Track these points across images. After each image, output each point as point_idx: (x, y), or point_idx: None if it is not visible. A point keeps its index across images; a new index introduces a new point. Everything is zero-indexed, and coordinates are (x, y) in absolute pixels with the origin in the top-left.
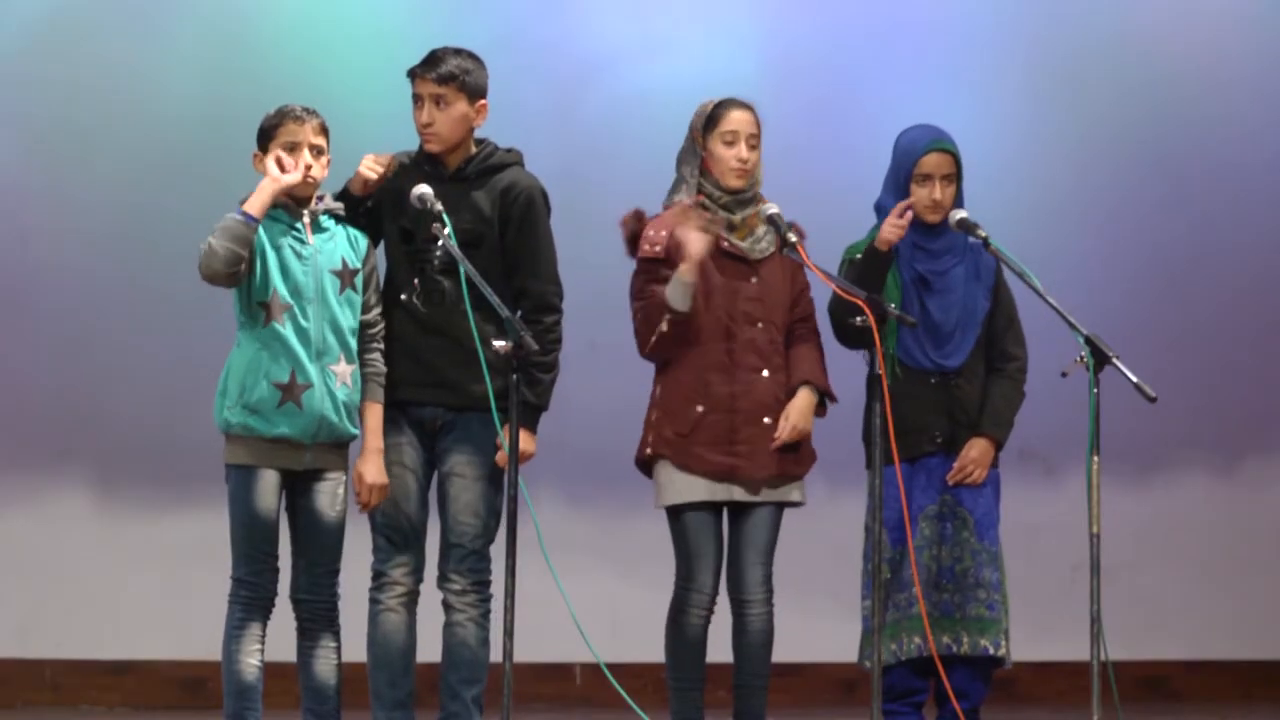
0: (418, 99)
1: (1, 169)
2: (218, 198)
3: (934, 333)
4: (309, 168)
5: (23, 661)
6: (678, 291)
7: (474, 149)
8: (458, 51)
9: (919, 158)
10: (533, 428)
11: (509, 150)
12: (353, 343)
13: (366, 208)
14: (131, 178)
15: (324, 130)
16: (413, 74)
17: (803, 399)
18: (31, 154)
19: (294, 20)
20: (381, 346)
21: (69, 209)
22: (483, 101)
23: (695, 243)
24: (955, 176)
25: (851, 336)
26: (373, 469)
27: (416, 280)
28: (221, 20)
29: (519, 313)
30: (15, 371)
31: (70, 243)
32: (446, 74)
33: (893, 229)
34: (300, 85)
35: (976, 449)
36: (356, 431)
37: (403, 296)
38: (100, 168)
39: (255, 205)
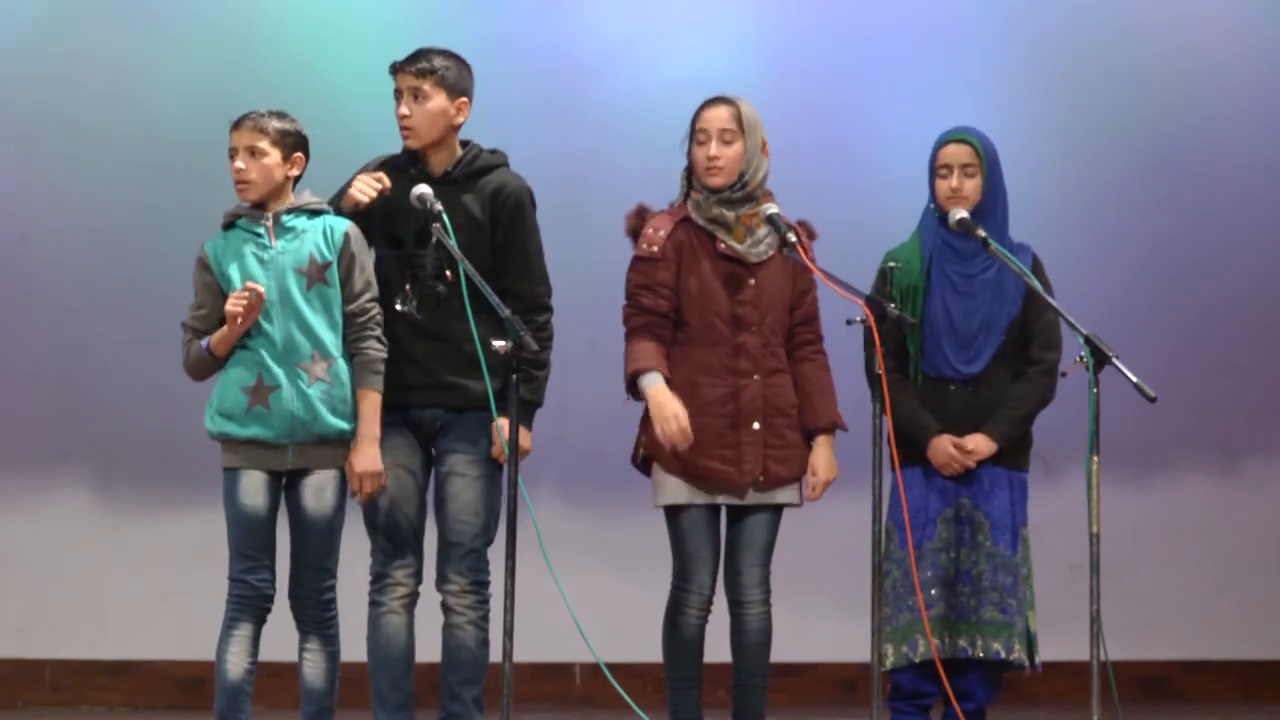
0: (398, 93)
1: (1, 169)
2: (218, 198)
3: (956, 337)
4: (238, 171)
5: (23, 661)
6: (649, 407)
7: (459, 150)
8: (441, 51)
9: (937, 150)
10: (530, 425)
11: (493, 151)
12: (329, 337)
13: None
14: (131, 177)
15: (262, 129)
16: (393, 69)
17: (824, 450)
18: (31, 154)
19: (293, 20)
20: (376, 333)
21: (69, 208)
22: (464, 99)
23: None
24: (978, 169)
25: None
26: (364, 457)
27: (409, 287)
28: (221, 20)
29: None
30: (16, 371)
31: (70, 242)
32: (425, 68)
33: None
34: (299, 84)
35: (971, 443)
36: (344, 425)
37: (397, 303)
38: (100, 167)
39: (220, 344)
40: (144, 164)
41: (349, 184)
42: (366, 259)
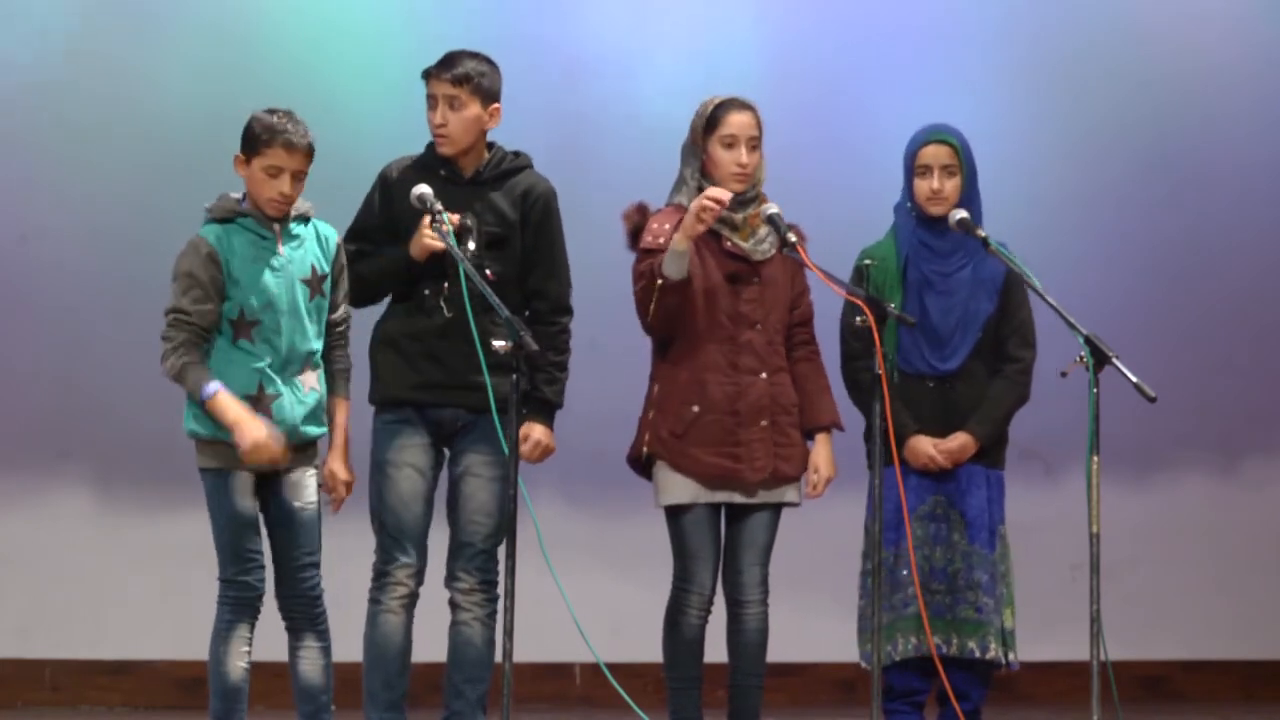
0: (432, 99)
1: (2, 168)
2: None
3: (932, 335)
4: (285, 195)
5: (23, 661)
6: (672, 261)
7: (486, 154)
8: (474, 55)
9: (917, 150)
10: (550, 424)
11: (517, 154)
12: (318, 346)
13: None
14: (131, 177)
15: (311, 153)
16: (427, 74)
17: (825, 448)
18: (31, 153)
19: (293, 19)
20: (347, 341)
21: (69, 208)
22: (496, 105)
23: (698, 212)
24: (958, 169)
25: (858, 396)
26: (344, 465)
27: (446, 285)
28: (221, 20)
29: (526, 313)
30: (16, 371)
31: (70, 242)
32: (461, 75)
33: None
34: (299, 84)
35: (955, 442)
36: (322, 431)
37: (428, 299)
38: (100, 167)
39: (224, 413)
40: (144, 164)
41: (376, 194)
42: (346, 266)
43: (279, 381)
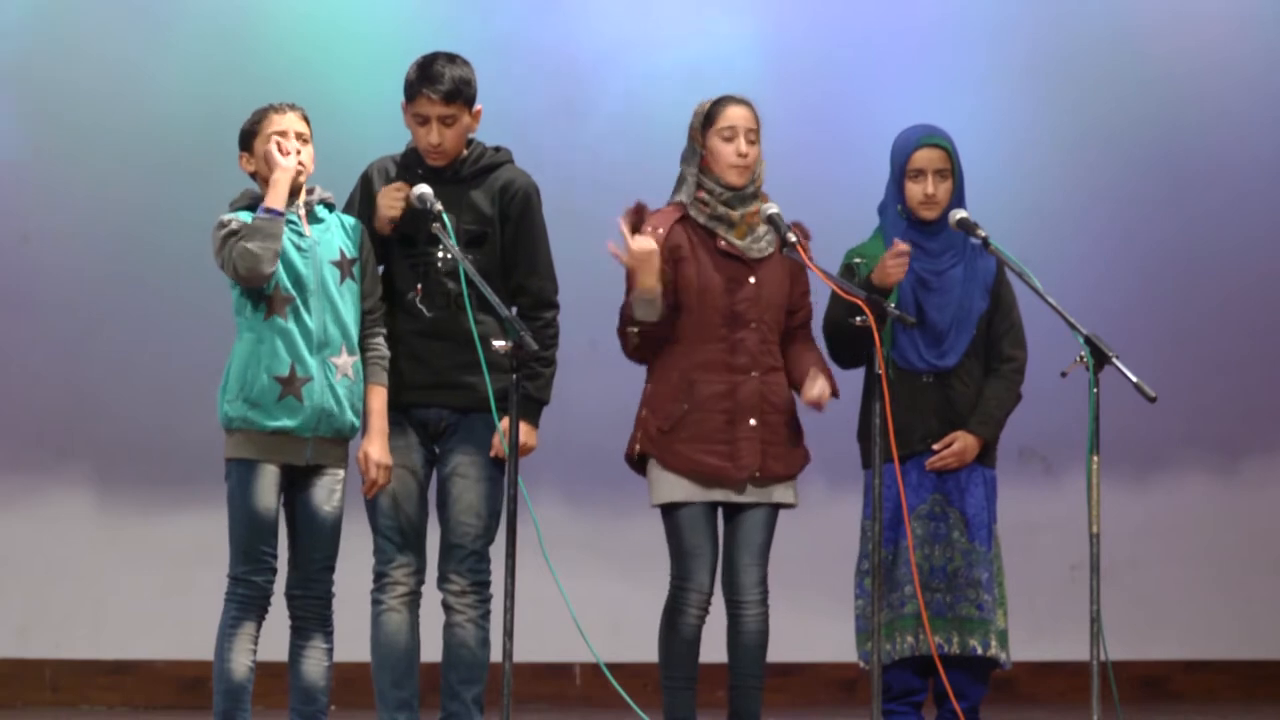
0: (422, 118)
1: (1, 169)
2: (217, 197)
3: (929, 333)
4: (298, 152)
5: (23, 661)
6: (640, 306)
7: (465, 150)
8: (450, 58)
9: (910, 154)
10: (535, 422)
11: (498, 149)
12: (354, 333)
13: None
14: (131, 177)
15: (305, 119)
16: (414, 93)
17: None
18: (31, 154)
19: (293, 19)
20: (383, 331)
21: (69, 209)
22: (479, 107)
23: (635, 255)
24: (950, 172)
25: (847, 356)
26: (378, 448)
27: (420, 285)
28: (221, 19)
29: (514, 309)
30: (16, 371)
31: (70, 242)
32: (453, 92)
33: (895, 268)
34: (299, 84)
35: (959, 442)
36: (358, 424)
37: (407, 299)
38: (100, 167)
39: (277, 199)
40: (144, 164)
41: (357, 192)
42: (373, 255)
43: (312, 364)
